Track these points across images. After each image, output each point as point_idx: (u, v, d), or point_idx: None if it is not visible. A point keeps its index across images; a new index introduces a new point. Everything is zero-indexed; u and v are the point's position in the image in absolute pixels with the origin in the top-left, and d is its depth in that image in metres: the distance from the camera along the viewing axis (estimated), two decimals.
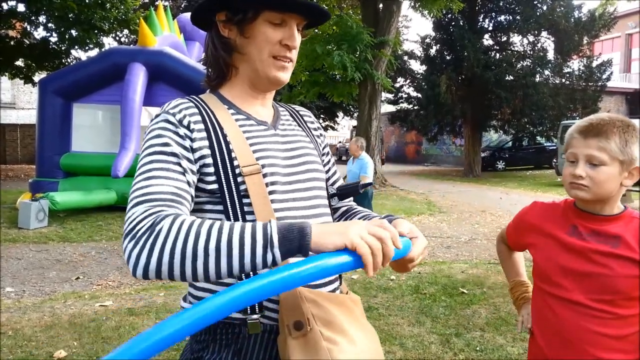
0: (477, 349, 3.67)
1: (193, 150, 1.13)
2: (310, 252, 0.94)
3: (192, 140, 1.13)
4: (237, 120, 1.22)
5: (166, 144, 1.11)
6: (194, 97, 1.24)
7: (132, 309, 4.47)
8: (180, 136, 1.13)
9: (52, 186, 9.56)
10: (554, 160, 19.51)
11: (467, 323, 4.15)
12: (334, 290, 1.23)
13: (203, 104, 1.21)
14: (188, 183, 1.11)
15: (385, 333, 3.92)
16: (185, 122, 1.14)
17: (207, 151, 1.14)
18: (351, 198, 1.47)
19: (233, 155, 1.15)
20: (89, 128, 10.49)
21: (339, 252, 0.92)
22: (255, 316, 1.12)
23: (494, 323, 4.14)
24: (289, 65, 1.25)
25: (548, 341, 1.51)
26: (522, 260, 1.80)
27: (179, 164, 1.10)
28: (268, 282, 0.86)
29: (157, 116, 1.17)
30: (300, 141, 1.31)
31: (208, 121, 1.17)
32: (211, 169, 1.14)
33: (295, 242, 0.93)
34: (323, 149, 1.44)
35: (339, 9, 16.51)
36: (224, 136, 1.17)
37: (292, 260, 0.93)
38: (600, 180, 1.38)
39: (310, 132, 1.40)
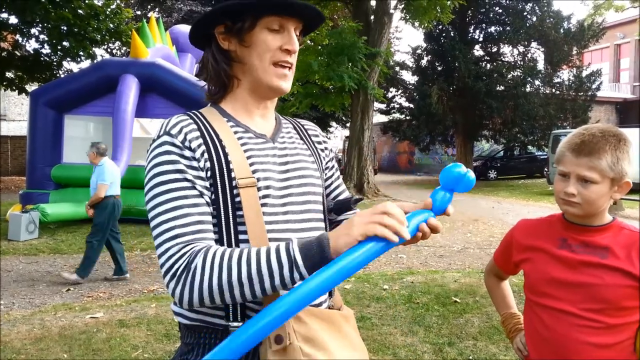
0: (470, 357, 3.66)
1: (201, 169, 1.15)
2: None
3: (197, 160, 1.15)
4: (235, 132, 1.22)
5: (179, 171, 1.13)
6: (194, 112, 1.25)
7: (123, 320, 4.43)
8: (187, 158, 1.14)
9: (42, 198, 9.50)
10: (545, 169, 19.63)
11: (460, 332, 4.15)
12: (320, 304, 1.23)
13: (202, 118, 1.22)
14: (208, 203, 1.14)
15: (378, 343, 3.91)
16: (187, 143, 1.15)
17: (208, 164, 1.15)
18: (353, 211, 1.47)
19: (231, 166, 1.16)
20: (81, 140, 10.45)
21: (361, 244, 1.00)
22: (236, 324, 1.13)
23: (487, 332, 4.14)
24: (289, 73, 1.25)
25: (539, 352, 1.51)
26: (511, 292, 1.80)
27: (195, 188, 1.13)
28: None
29: (158, 137, 1.17)
30: (299, 154, 1.31)
31: (207, 135, 1.18)
32: (210, 181, 1.15)
33: (317, 256, 1.01)
34: (326, 164, 1.44)
35: (331, 20, 16.62)
36: (223, 147, 1.17)
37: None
38: (591, 198, 1.40)
39: (314, 146, 1.39)
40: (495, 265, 1.75)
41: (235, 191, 1.15)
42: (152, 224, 1.12)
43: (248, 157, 1.19)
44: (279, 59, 1.22)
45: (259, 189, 1.17)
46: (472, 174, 1.17)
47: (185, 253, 1.06)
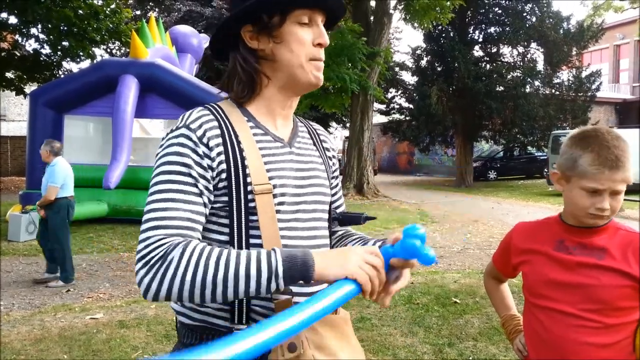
0: (470, 358, 3.66)
1: (211, 169, 1.13)
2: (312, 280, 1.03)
3: (210, 159, 1.13)
4: (255, 135, 1.21)
5: (185, 165, 1.11)
6: (215, 106, 1.22)
7: (123, 321, 4.43)
8: (199, 155, 1.12)
9: None
10: (545, 169, 19.64)
11: (460, 333, 4.15)
12: None
13: (223, 116, 1.20)
14: (204, 204, 1.13)
15: (378, 344, 3.91)
16: (204, 140, 1.13)
17: (223, 166, 1.14)
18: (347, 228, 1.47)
19: (247, 171, 1.15)
20: (80, 140, 10.46)
21: (341, 282, 1.00)
22: (241, 326, 1.13)
23: (487, 333, 4.14)
24: (322, 65, 1.25)
25: (538, 352, 1.52)
26: (510, 293, 1.81)
27: (196, 186, 1.11)
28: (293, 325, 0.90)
29: (177, 128, 1.15)
30: (313, 162, 1.30)
31: (227, 135, 1.16)
32: (224, 183, 1.14)
33: (298, 273, 1.01)
34: (333, 172, 1.44)
35: None
36: (241, 151, 1.16)
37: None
38: (618, 207, 1.42)
39: (324, 152, 1.39)
40: (494, 268, 1.76)
41: (250, 196, 1.14)
42: (145, 209, 1.10)
43: (265, 163, 1.18)
44: (315, 56, 1.22)
45: (274, 196, 1.16)
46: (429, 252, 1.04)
47: (164, 243, 1.04)
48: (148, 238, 1.05)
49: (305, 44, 1.20)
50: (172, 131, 1.16)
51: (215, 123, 1.17)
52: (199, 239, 1.11)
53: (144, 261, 1.03)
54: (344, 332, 1.20)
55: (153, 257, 1.02)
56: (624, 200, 1.54)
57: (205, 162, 1.13)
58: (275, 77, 1.24)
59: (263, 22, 1.19)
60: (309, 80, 1.23)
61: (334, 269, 1.01)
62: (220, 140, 1.15)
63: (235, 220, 1.14)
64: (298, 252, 1.02)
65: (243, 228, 1.14)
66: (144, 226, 1.07)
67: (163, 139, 1.17)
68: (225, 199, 1.14)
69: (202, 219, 1.13)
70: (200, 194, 1.12)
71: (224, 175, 1.14)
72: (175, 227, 1.07)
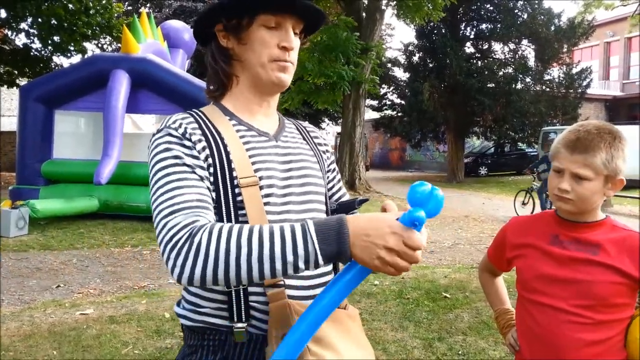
0: (460, 352, 3.69)
1: (201, 160, 1.14)
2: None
3: (197, 151, 1.14)
4: (238, 131, 1.22)
5: (177, 156, 1.12)
6: (194, 110, 1.25)
7: (113, 317, 4.42)
8: (187, 147, 1.14)
9: (33, 193, 9.43)
10: None
11: (450, 327, 4.18)
12: None
13: (203, 116, 1.22)
14: (208, 188, 1.13)
15: (368, 338, 3.91)
16: (187, 135, 1.15)
17: (210, 161, 1.15)
18: (354, 212, 1.48)
19: (232, 165, 1.16)
20: (71, 135, 10.39)
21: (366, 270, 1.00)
22: (241, 325, 1.13)
23: (476, 327, 4.17)
24: (289, 66, 1.25)
25: (530, 347, 1.53)
26: (505, 288, 1.82)
27: (194, 172, 1.12)
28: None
29: (158, 131, 1.17)
30: (302, 154, 1.31)
31: (208, 132, 1.18)
32: (212, 179, 1.15)
33: (335, 257, 0.97)
34: (329, 165, 1.44)
35: None
36: (224, 146, 1.17)
37: None
38: (584, 195, 1.41)
39: (316, 147, 1.40)
40: (488, 262, 1.77)
41: (237, 190, 1.14)
42: (153, 212, 1.09)
43: (250, 156, 1.19)
44: (277, 57, 1.22)
45: (261, 188, 1.16)
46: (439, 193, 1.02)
47: (187, 225, 1.01)
48: (166, 224, 1.03)
49: (268, 46, 1.21)
50: (154, 135, 1.18)
51: (196, 124, 1.19)
52: (214, 218, 1.10)
53: (170, 245, 1.00)
54: (348, 327, 1.20)
55: (179, 240, 1.00)
56: (616, 196, 1.55)
57: (194, 153, 1.14)
58: (243, 76, 1.26)
59: (231, 24, 1.21)
60: (270, 79, 1.23)
61: (374, 261, 0.96)
62: (202, 137, 1.16)
63: (224, 215, 1.14)
64: (332, 235, 0.97)
65: (233, 223, 1.14)
66: (157, 218, 1.06)
67: (149, 147, 1.18)
68: (214, 195, 1.15)
69: (211, 201, 1.12)
70: (202, 179, 1.12)
71: (211, 170, 1.15)
72: (189, 207, 1.05)
